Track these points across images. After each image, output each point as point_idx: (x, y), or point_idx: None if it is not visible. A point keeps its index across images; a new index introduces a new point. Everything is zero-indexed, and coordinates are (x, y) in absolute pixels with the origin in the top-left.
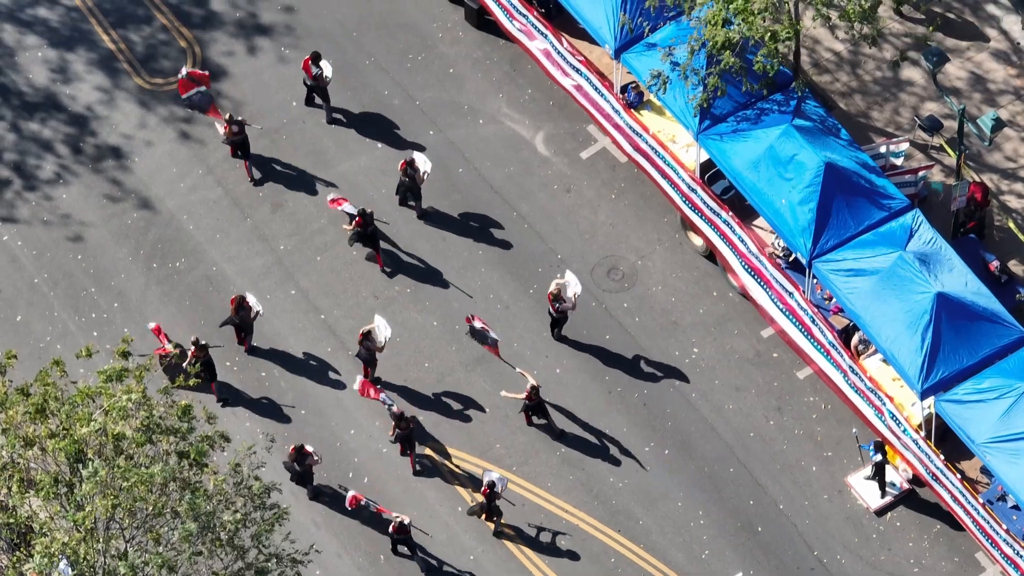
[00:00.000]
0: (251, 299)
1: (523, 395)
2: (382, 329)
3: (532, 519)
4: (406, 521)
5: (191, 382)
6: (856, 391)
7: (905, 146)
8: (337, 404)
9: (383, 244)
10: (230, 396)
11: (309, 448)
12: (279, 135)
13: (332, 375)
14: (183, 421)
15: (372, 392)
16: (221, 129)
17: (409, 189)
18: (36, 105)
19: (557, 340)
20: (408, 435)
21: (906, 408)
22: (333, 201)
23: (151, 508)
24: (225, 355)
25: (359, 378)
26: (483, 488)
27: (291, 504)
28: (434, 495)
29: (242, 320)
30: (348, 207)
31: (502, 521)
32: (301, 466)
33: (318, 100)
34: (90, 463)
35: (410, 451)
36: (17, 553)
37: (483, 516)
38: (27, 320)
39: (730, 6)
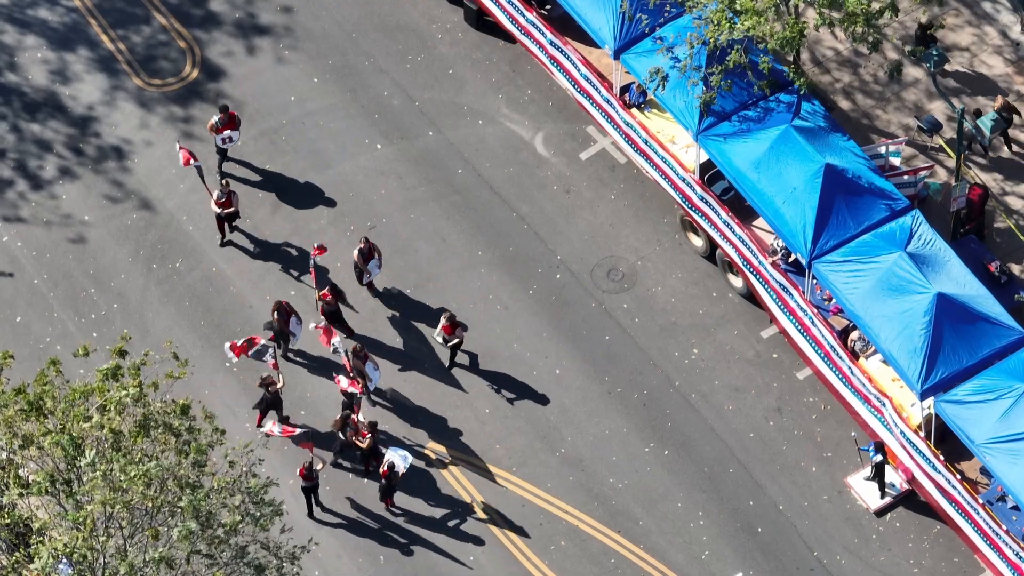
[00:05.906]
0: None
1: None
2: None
3: (532, 520)
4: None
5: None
6: (855, 392)
7: (904, 146)
8: (337, 405)
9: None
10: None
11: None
12: (279, 136)
13: (332, 376)
14: (182, 420)
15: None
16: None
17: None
18: (36, 106)
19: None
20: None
21: (906, 409)
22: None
23: (151, 504)
24: (224, 355)
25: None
26: (383, 470)
27: (291, 505)
28: (433, 495)
29: (280, 328)
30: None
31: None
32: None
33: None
34: (87, 454)
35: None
36: (16, 554)
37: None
38: (27, 321)
39: (734, 4)
